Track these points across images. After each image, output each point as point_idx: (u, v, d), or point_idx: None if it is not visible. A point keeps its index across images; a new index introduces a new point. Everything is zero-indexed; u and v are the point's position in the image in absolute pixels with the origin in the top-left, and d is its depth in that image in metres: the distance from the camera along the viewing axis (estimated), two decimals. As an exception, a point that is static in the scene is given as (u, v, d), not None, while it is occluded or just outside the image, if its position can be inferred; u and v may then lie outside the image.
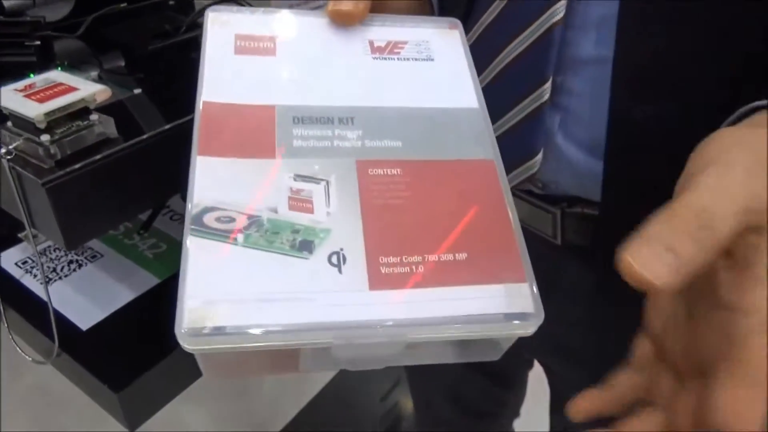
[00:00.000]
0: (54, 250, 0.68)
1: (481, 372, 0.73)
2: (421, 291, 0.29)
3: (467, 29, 0.45)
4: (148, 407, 0.58)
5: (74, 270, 0.66)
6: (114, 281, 0.64)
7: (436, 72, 0.38)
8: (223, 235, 0.29)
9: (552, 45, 0.40)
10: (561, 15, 0.39)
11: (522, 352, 0.64)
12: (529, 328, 0.29)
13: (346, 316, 0.27)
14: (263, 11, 0.39)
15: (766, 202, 0.24)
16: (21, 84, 0.44)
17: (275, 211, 0.30)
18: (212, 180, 0.31)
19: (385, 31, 0.39)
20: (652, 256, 0.23)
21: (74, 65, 0.60)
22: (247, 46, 0.37)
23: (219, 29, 0.37)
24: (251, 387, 1.25)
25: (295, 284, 0.28)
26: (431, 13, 0.50)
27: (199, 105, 0.33)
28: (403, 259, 0.29)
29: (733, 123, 0.33)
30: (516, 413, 0.88)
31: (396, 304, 0.28)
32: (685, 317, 0.29)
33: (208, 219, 0.29)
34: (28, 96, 0.42)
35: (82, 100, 0.43)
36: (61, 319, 0.60)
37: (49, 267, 0.65)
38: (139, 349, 0.58)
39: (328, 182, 0.32)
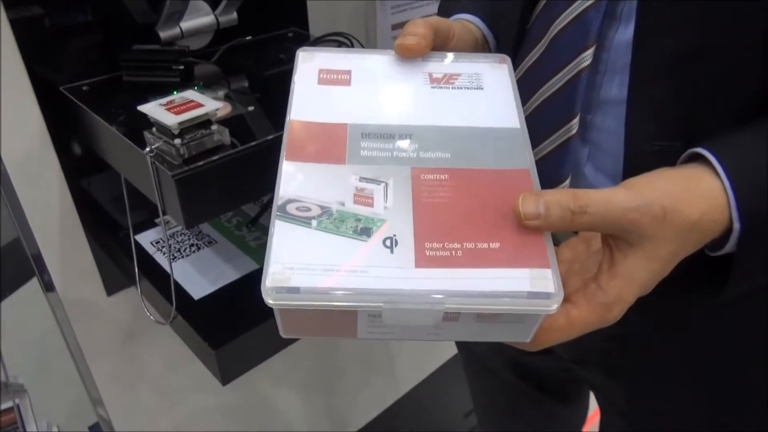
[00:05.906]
0: (180, 235, 0.83)
1: (530, 380, 0.78)
2: (458, 270, 0.33)
3: (514, 68, 0.52)
4: (240, 366, 0.71)
5: (194, 251, 0.80)
6: (223, 263, 0.78)
7: (484, 99, 0.45)
8: (301, 220, 0.36)
9: (580, 87, 0.47)
10: (588, 62, 0.46)
11: (572, 367, 0.68)
12: (551, 306, 0.33)
13: (395, 285, 0.33)
14: (343, 51, 0.49)
15: (632, 226, 0.35)
16: (165, 99, 0.57)
17: (343, 204, 0.37)
18: (294, 179, 0.39)
19: (442, 65, 0.47)
20: (533, 203, 0.34)
21: (208, 85, 0.74)
22: (327, 78, 0.47)
23: (306, 65, 0.47)
24: (336, 382, 1.33)
25: (355, 260, 0.34)
26: (487, 51, 0.58)
27: (288, 122, 0.44)
28: (445, 245, 0.35)
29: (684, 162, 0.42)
30: (575, 434, 0.90)
31: (437, 279, 0.33)
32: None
33: (290, 208, 0.37)
34: (168, 109, 0.56)
35: (206, 114, 0.56)
36: (179, 289, 0.74)
37: (175, 248, 0.80)
38: (237, 318, 0.71)
39: (387, 184, 0.38)
